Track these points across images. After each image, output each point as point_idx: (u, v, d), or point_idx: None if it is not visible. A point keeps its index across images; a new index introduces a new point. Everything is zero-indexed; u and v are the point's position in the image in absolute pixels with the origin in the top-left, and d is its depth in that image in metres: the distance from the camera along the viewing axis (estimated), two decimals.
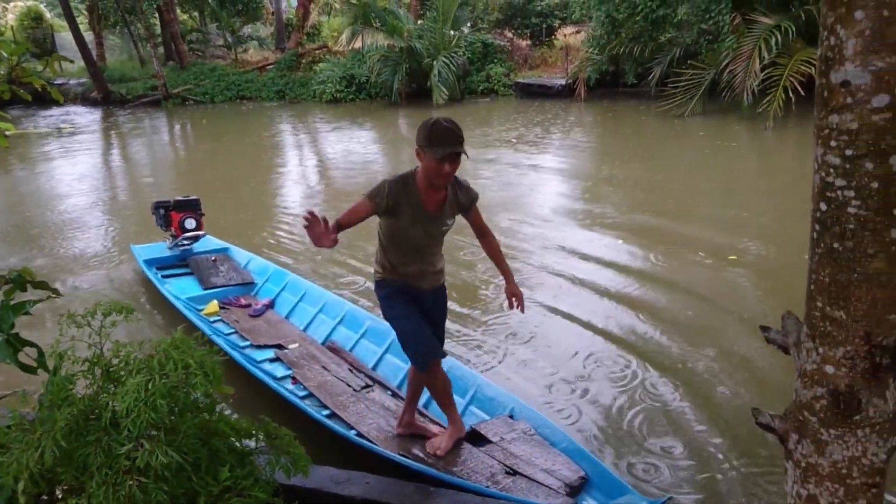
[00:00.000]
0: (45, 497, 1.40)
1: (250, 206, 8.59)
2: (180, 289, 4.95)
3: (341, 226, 2.65)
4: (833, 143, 1.01)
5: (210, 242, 5.68)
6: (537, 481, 2.70)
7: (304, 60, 21.29)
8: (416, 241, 2.88)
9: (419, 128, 2.68)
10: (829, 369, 1.07)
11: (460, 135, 2.67)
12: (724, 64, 12.53)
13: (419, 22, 18.61)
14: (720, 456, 3.10)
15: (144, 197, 8.80)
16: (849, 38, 0.95)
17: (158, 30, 23.78)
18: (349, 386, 3.56)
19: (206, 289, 4.90)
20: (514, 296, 3.03)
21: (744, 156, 10.40)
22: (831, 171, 1.02)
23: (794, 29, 11.83)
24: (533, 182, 9.01)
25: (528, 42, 20.65)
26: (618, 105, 15.35)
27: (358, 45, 18.43)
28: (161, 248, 5.67)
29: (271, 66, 21.43)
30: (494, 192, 8.34)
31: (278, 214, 8.14)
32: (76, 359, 1.44)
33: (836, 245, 1.03)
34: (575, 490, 2.66)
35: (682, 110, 12.81)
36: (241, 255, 5.54)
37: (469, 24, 19.56)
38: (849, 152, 0.99)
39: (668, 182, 8.64)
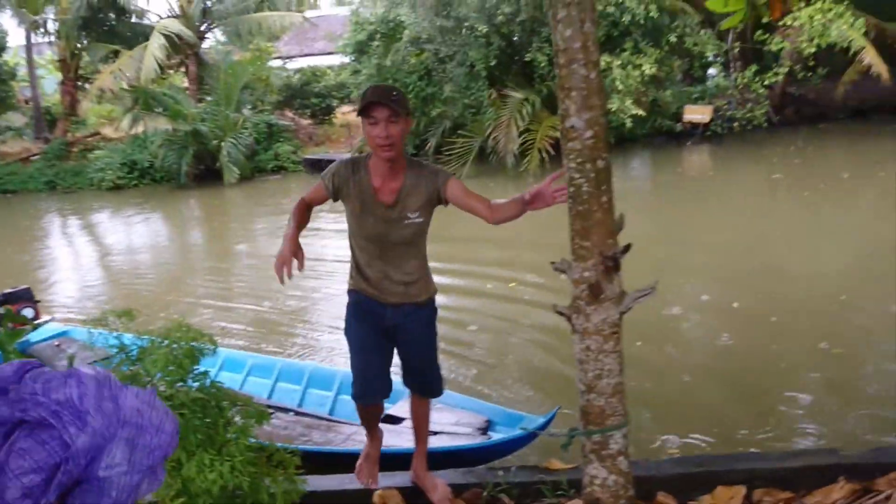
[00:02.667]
0: None
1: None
2: None
3: (302, 217, 2.62)
4: (572, 157, 2.00)
5: (44, 332, 5.54)
6: (453, 433, 3.42)
7: (75, 149, 20.33)
8: (373, 235, 2.61)
9: None
10: (586, 274, 2.03)
11: (391, 91, 2.45)
12: (488, 132, 14.49)
13: (200, 105, 18.87)
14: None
15: None
16: (570, 104, 1.95)
17: None
18: None
19: None
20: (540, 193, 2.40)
21: None
22: (573, 170, 2.00)
23: (539, 101, 14.15)
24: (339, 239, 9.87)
25: (310, 121, 21.74)
26: None
27: (137, 129, 18.17)
28: None
29: (36, 157, 20.17)
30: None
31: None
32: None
33: (580, 208, 2.01)
34: (484, 431, 3.45)
35: (457, 174, 14.48)
36: (83, 334, 5.50)
37: (250, 107, 20.19)
38: (579, 160, 1.98)
39: (447, 230, 10.10)
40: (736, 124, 15.55)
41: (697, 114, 16.18)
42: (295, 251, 2.49)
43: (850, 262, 6.81)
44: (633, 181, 14.28)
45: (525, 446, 3.34)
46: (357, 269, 2.72)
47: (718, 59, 17.14)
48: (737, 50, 15.87)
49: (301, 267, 2.49)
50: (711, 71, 18.75)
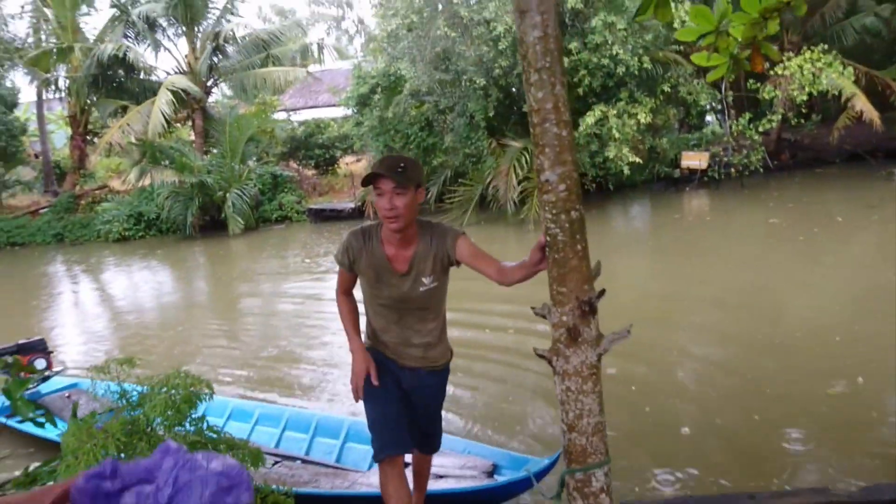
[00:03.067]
0: None
1: None
2: (41, 430, 4.97)
3: (350, 312, 2.63)
4: (547, 209, 2.13)
5: (54, 383, 5.63)
6: (460, 476, 3.50)
7: (83, 202, 20.69)
8: (389, 302, 2.60)
9: None
10: (564, 318, 2.14)
11: (398, 163, 2.41)
12: (488, 181, 14.76)
13: (206, 157, 19.26)
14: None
15: None
16: (545, 160, 2.09)
17: None
18: None
19: None
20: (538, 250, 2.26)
21: (512, 252, 12.37)
22: (549, 220, 2.13)
23: None
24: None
25: (314, 171, 22.12)
26: None
27: (144, 182, 18.51)
28: None
29: (45, 210, 20.53)
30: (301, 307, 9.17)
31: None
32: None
33: (556, 256, 2.13)
34: (490, 474, 3.52)
35: (459, 222, 14.72)
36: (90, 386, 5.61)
37: (255, 158, 20.60)
38: (554, 212, 2.11)
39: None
40: (732, 170, 15.79)
41: (695, 160, 16.43)
42: (367, 365, 2.56)
43: (843, 305, 6.89)
44: (632, 226, 14.45)
45: (530, 489, 3.40)
46: (374, 333, 2.69)
47: (717, 106, 17.49)
48: (730, 98, 16.21)
49: (375, 379, 2.54)
50: (709, 118, 19.09)
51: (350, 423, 4.35)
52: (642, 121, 14.13)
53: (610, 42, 13.58)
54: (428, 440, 2.95)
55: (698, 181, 16.28)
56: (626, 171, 14.27)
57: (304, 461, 4.18)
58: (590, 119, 13.98)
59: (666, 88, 14.80)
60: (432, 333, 2.66)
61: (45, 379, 5.46)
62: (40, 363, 5.46)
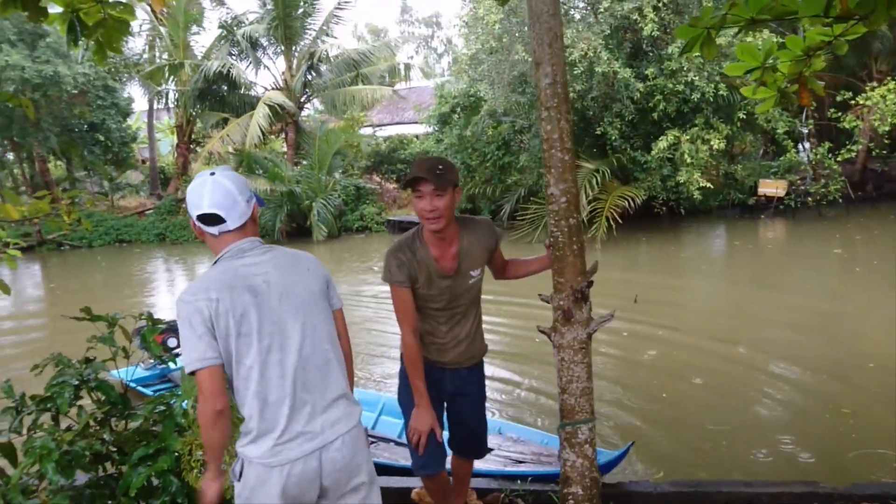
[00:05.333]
0: None
1: None
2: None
3: (419, 353, 2.64)
4: (551, 216, 2.72)
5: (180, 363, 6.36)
6: (538, 463, 4.10)
7: (184, 205, 22.40)
8: (440, 305, 2.66)
9: None
10: (562, 302, 2.71)
11: (436, 165, 2.46)
12: None
13: (296, 168, 20.56)
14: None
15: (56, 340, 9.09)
16: (550, 178, 2.68)
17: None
18: None
19: None
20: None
21: None
22: (552, 225, 2.71)
23: (609, 172, 14.80)
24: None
25: (396, 185, 23.12)
26: None
27: None
28: (132, 370, 5.91)
29: (150, 211, 22.36)
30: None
31: None
32: None
33: (557, 253, 2.71)
34: None
35: (530, 238, 15.22)
36: None
37: (341, 171, 21.78)
38: (556, 218, 2.69)
39: (516, 288, 10.75)
40: (810, 199, 15.65)
41: (772, 188, 16.35)
42: (433, 424, 2.65)
43: (884, 335, 7.04)
44: (701, 250, 14.55)
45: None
46: (419, 337, 2.71)
47: (803, 133, 17.28)
48: (811, 126, 16.09)
49: (439, 438, 2.70)
50: (800, 146, 18.85)
51: None
52: (716, 147, 14.28)
53: (686, 68, 13.85)
54: (478, 441, 3.00)
55: (774, 209, 16.19)
56: (698, 195, 14.44)
57: (396, 443, 4.76)
58: (662, 143, 14.25)
59: (742, 115, 14.90)
60: (475, 325, 2.82)
61: (176, 356, 6.15)
62: (172, 341, 5.87)
